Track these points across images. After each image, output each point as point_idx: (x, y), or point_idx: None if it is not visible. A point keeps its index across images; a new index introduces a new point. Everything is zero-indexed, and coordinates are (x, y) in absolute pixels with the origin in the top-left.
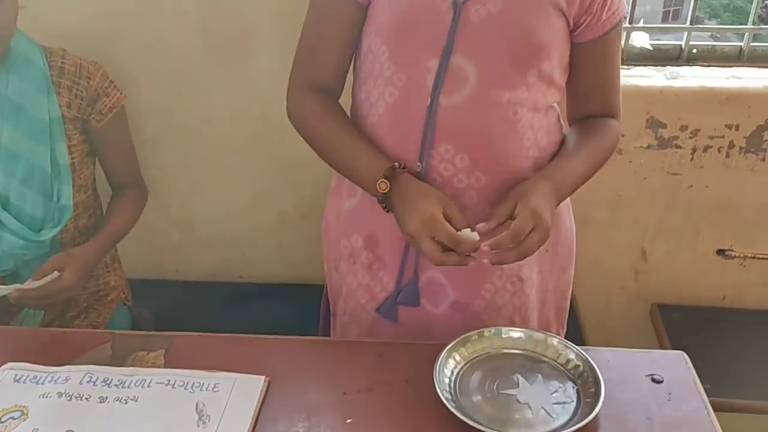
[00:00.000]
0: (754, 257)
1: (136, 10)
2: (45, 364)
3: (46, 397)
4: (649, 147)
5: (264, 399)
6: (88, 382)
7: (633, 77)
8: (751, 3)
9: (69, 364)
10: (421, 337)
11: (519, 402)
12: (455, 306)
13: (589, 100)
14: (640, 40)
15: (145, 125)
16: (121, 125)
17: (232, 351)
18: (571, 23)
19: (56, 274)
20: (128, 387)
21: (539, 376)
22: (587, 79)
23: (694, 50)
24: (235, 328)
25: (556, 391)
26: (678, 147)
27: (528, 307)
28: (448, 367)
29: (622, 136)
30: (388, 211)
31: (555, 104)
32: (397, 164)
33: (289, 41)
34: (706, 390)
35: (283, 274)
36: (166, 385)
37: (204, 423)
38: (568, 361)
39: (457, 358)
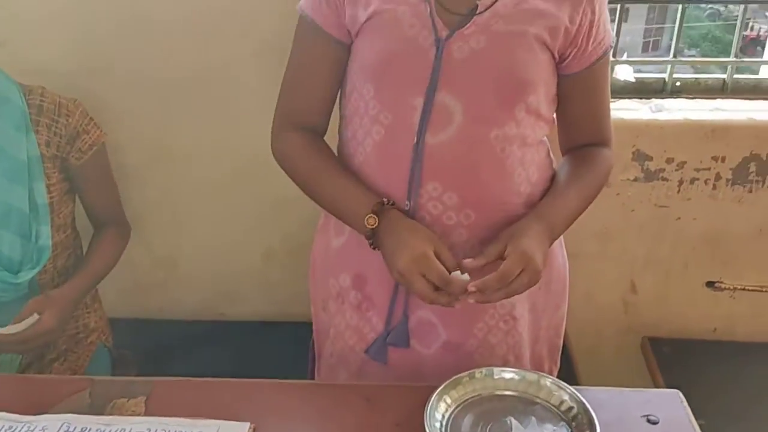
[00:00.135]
0: (744, 289)
1: (116, 45)
2: (21, 412)
3: None
4: (636, 179)
5: None
6: None
7: (618, 110)
8: (729, 33)
9: (46, 413)
10: (411, 378)
11: None
12: (447, 346)
13: (580, 130)
14: (624, 73)
15: (127, 161)
16: (102, 163)
17: (215, 396)
18: (557, 56)
19: (36, 317)
20: None
21: (533, 418)
22: (577, 109)
23: (678, 83)
24: (220, 368)
25: None
26: (665, 179)
27: (522, 345)
28: (439, 411)
29: None
30: (375, 249)
31: (545, 138)
32: (385, 200)
33: (273, 76)
34: (700, 426)
35: (269, 312)
36: None
37: None
38: (562, 402)
39: (448, 401)
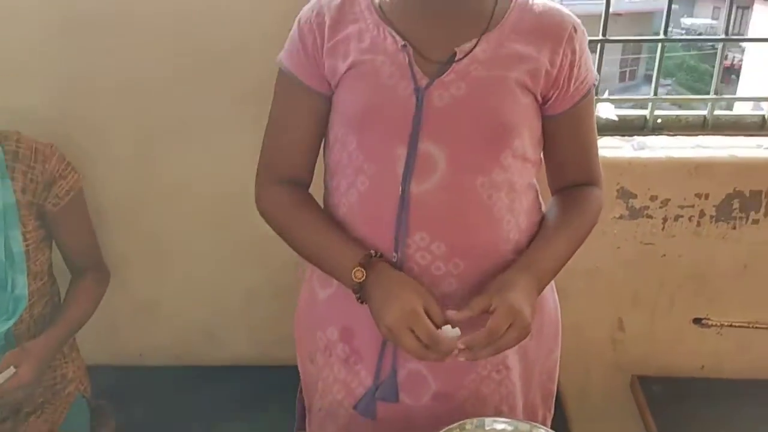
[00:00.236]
0: (731, 325)
1: (96, 91)
2: None
3: None
4: (621, 217)
5: None
6: None
7: (602, 148)
8: (704, 62)
9: None
10: (401, 431)
11: None
12: (437, 397)
13: (568, 170)
14: (606, 111)
15: (105, 205)
16: (79, 208)
17: None
18: (539, 98)
19: (12, 370)
20: None
21: None
22: (563, 149)
23: (659, 120)
24: (202, 414)
25: None
26: (649, 217)
27: (515, 394)
28: None
29: None
30: (362, 302)
31: (533, 180)
32: (373, 252)
33: (253, 119)
34: None
35: (253, 355)
36: None
37: None
38: None
39: None
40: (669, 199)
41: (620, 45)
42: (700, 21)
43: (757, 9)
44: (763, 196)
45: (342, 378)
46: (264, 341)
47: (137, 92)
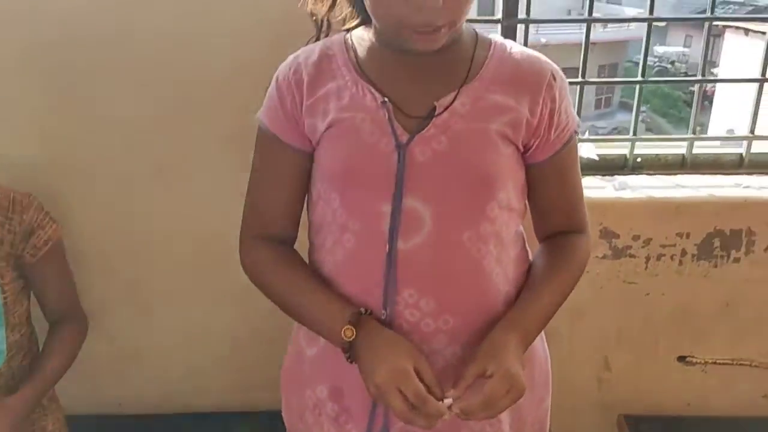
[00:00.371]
0: (715, 363)
1: (73, 135)
2: None
3: None
4: (604, 257)
5: None
6: None
7: (584, 188)
8: (677, 89)
9: None
10: None
11: None
12: None
13: (553, 217)
14: (587, 150)
15: (86, 252)
16: (58, 258)
17: None
18: (521, 147)
19: None
20: None
21: None
22: (547, 197)
23: (639, 159)
24: None
25: None
26: (632, 256)
27: None
28: None
29: None
30: (352, 362)
31: (520, 227)
32: (362, 310)
33: (237, 164)
34: None
35: (237, 402)
36: None
37: None
38: None
39: None
40: (651, 239)
41: (595, 71)
42: (673, 49)
43: (728, 38)
44: (744, 234)
45: None
46: (249, 387)
47: (118, 136)
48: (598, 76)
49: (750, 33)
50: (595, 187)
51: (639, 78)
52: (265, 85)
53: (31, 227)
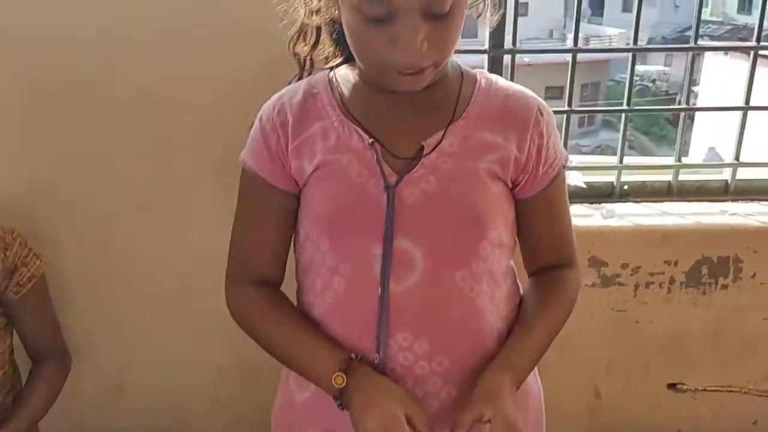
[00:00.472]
0: (705, 390)
1: (59, 169)
2: None
3: None
4: (593, 285)
5: None
6: None
7: (572, 217)
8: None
9: None
10: None
11: None
12: None
13: (542, 252)
14: (574, 179)
15: (71, 284)
16: (41, 294)
17: None
18: (510, 184)
19: None
20: None
21: None
22: (536, 232)
23: (626, 186)
24: None
25: None
26: (621, 284)
27: None
28: None
29: None
30: (343, 409)
31: (511, 262)
32: (353, 355)
33: (219, 192)
34: None
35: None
36: None
37: None
38: None
39: None
40: (640, 267)
41: (578, 90)
42: (653, 68)
43: (708, 55)
44: (731, 262)
45: None
46: (234, 419)
47: (102, 171)
48: (581, 95)
49: (729, 52)
50: (583, 216)
51: (624, 107)
52: (249, 119)
53: (14, 264)
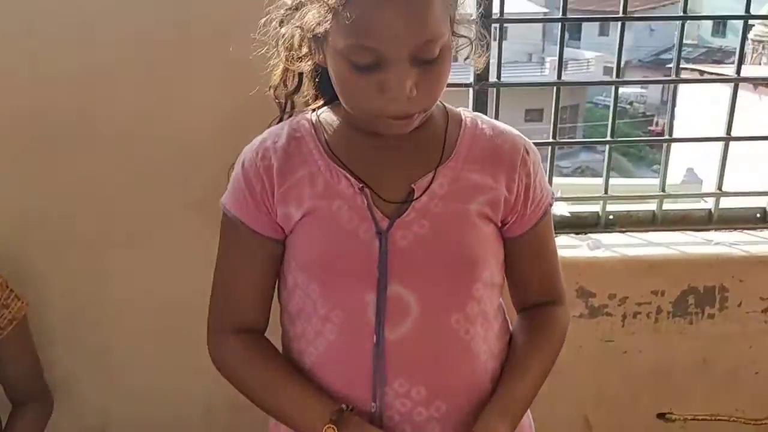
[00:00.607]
0: (694, 419)
1: (42, 205)
2: None
3: None
4: (581, 316)
5: None
6: None
7: (559, 248)
8: (636, 128)
9: None
10: None
11: None
12: None
13: (530, 289)
14: (559, 209)
15: (54, 324)
16: (23, 336)
17: None
18: (499, 224)
19: None
20: None
21: None
22: (525, 270)
23: (611, 216)
24: None
25: None
26: (609, 314)
27: None
28: None
29: None
30: None
31: (500, 300)
32: (344, 406)
33: (203, 226)
34: None
35: None
36: None
37: None
38: None
39: None
40: (627, 297)
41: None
42: (630, 90)
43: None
44: (717, 291)
45: None
46: None
47: (85, 208)
48: (561, 116)
49: (705, 74)
50: (569, 247)
51: (608, 138)
52: (233, 157)
53: None
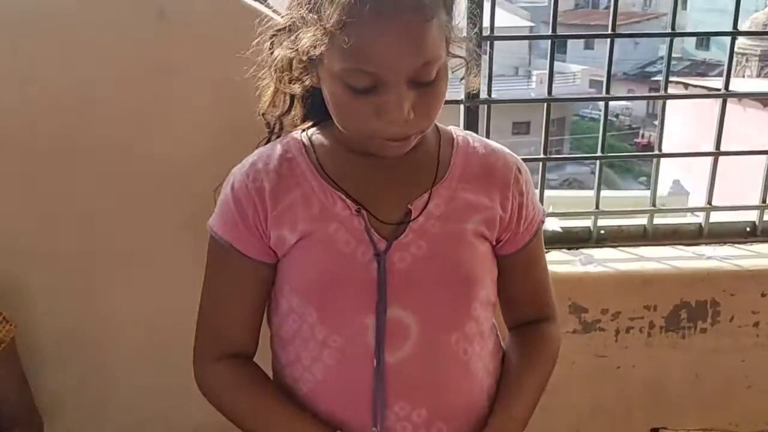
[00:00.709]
0: None
1: (31, 224)
2: None
3: None
4: (574, 332)
5: None
6: None
7: (551, 264)
8: (622, 141)
9: None
10: None
11: None
12: None
13: (522, 307)
14: (551, 224)
15: (43, 345)
16: (11, 359)
17: None
18: (494, 242)
19: None
20: None
21: None
22: (516, 287)
23: (602, 231)
24: None
25: None
26: (602, 330)
27: None
28: None
29: None
30: None
31: (493, 318)
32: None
33: (194, 246)
34: None
35: None
36: None
37: None
38: None
39: None
40: (620, 312)
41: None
42: (616, 103)
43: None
44: (709, 305)
45: None
46: None
47: (76, 230)
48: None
49: (690, 87)
50: (562, 262)
51: (599, 153)
52: (223, 167)
53: None
